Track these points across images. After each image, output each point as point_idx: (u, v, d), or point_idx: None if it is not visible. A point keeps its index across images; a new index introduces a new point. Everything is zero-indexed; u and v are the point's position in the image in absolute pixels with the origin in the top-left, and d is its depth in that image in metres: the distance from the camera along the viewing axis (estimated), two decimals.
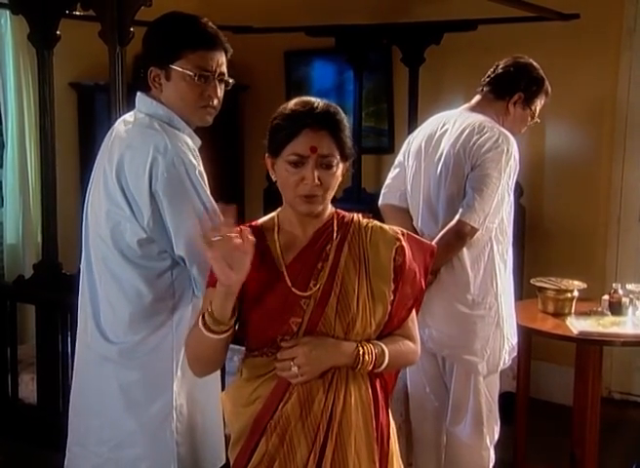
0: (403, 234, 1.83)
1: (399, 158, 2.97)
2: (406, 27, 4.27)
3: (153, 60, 2.04)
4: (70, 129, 4.27)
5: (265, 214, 1.85)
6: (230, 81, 2.09)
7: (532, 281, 3.41)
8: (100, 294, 2.09)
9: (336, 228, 1.80)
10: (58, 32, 3.22)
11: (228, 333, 1.71)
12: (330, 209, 1.82)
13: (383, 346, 1.77)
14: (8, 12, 3.80)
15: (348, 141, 1.75)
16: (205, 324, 1.69)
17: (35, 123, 3.86)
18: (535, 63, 2.85)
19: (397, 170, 2.96)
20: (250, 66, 4.89)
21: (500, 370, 2.84)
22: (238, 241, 1.60)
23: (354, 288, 1.75)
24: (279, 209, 1.83)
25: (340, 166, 1.74)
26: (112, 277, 2.04)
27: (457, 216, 2.63)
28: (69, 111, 4.29)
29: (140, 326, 2.02)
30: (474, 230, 2.63)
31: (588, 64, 4.03)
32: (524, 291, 3.81)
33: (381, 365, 1.77)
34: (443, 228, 2.67)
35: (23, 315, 3.67)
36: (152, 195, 1.95)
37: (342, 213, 1.84)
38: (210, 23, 2.07)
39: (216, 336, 1.69)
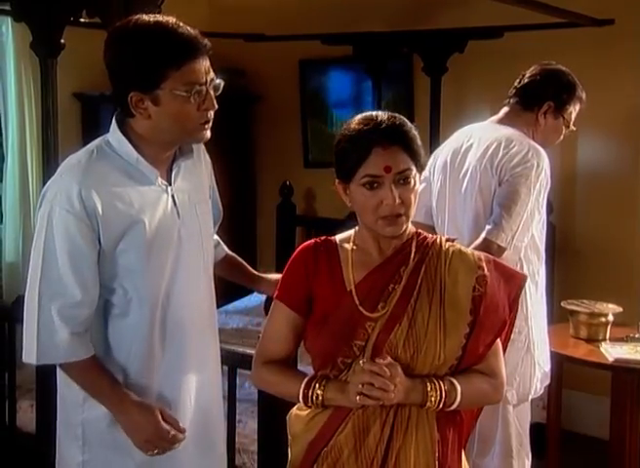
0: (489, 261, 1.79)
1: (425, 173, 2.93)
2: (427, 35, 4.27)
3: (132, 86, 1.87)
4: (74, 141, 4.25)
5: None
6: (220, 83, 1.93)
7: (563, 304, 3.40)
8: None
9: (414, 250, 1.77)
10: (62, 40, 3.24)
11: None
12: (409, 228, 1.79)
13: (455, 383, 1.72)
14: (9, 19, 3.85)
15: (421, 150, 1.74)
16: (306, 399, 1.73)
17: (37, 135, 3.90)
18: (564, 69, 2.84)
19: (423, 185, 2.92)
20: (262, 76, 4.94)
21: (531, 398, 2.82)
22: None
23: (425, 317, 1.71)
24: (357, 226, 1.82)
25: (417, 177, 1.74)
26: None
27: (483, 234, 2.62)
28: (73, 123, 4.33)
29: None
30: (502, 249, 2.61)
31: (624, 73, 4.02)
32: (555, 314, 3.77)
33: (452, 403, 1.72)
34: (469, 247, 2.66)
35: (22, 338, 3.68)
36: None
37: (424, 234, 1.82)
38: (182, 27, 1.88)
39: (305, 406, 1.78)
